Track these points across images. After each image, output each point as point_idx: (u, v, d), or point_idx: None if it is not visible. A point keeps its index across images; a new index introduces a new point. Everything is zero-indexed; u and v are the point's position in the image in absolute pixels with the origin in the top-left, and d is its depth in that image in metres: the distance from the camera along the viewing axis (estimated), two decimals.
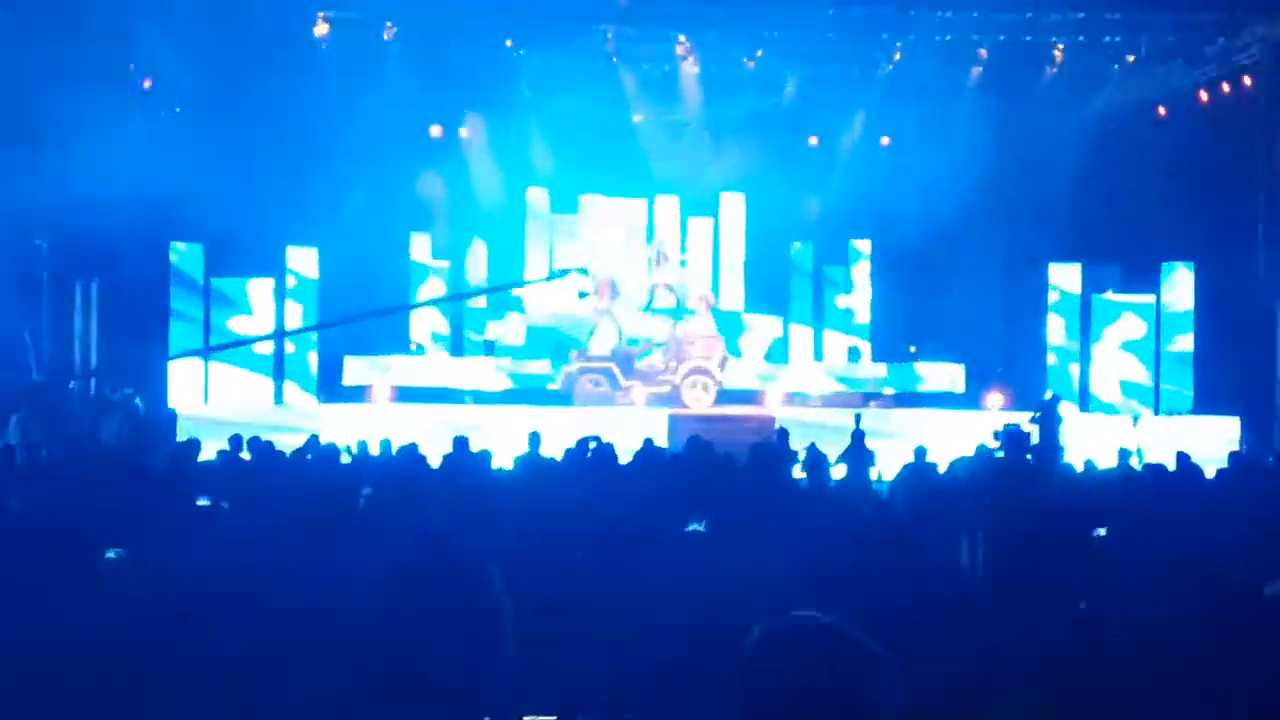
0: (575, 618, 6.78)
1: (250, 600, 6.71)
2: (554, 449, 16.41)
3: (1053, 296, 27.87)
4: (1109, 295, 27.22)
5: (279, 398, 26.45)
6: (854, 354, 30.46)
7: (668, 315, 29.00)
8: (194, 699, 5.67)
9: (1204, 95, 27.17)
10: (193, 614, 6.28)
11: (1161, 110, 27.75)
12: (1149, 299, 26.91)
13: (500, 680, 3.28)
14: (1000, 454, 17.22)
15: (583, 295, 28.30)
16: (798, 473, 15.69)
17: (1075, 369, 27.49)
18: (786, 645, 3.01)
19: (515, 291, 30.93)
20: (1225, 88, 26.92)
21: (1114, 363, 26.78)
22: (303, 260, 27.27)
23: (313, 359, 27.14)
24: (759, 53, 28.23)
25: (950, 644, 6.40)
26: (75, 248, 24.17)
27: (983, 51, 27.67)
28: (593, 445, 15.99)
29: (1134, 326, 26.75)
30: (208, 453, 16.16)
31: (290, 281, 27.20)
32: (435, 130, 30.24)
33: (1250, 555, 8.80)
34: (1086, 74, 28.18)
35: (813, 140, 31.14)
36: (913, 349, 29.61)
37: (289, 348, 26.89)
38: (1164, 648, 6.23)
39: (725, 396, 27.17)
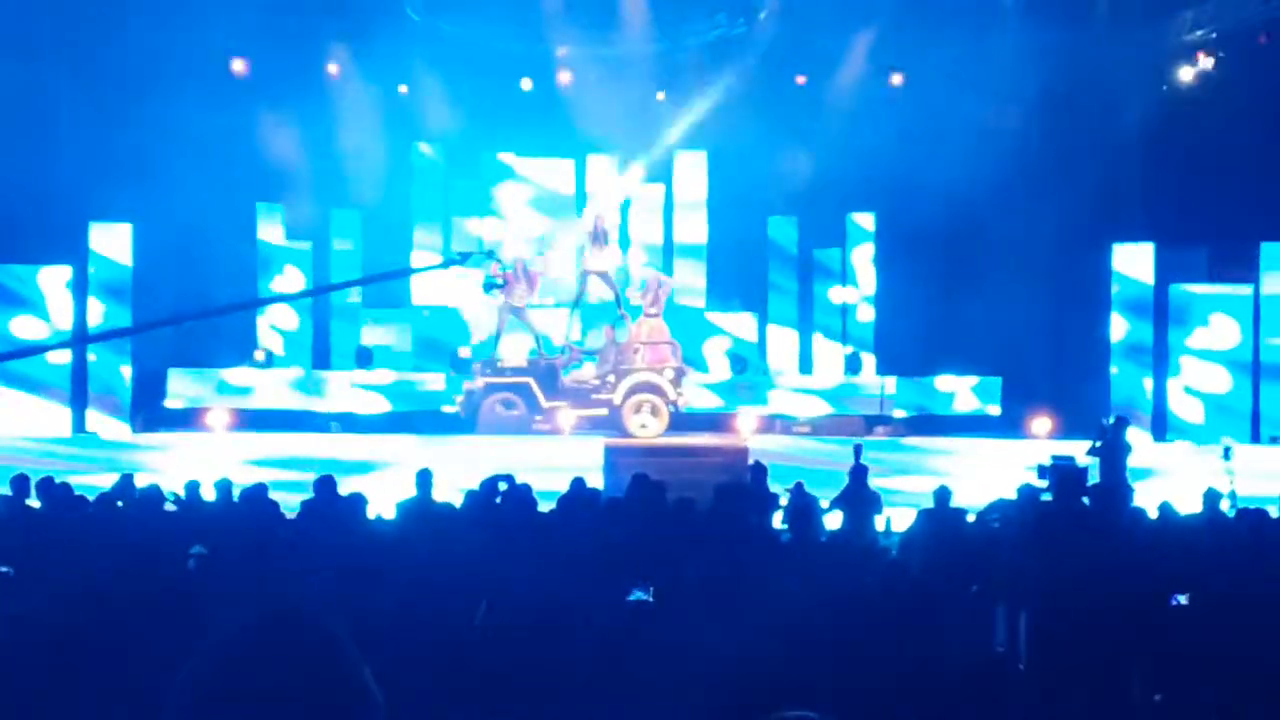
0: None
1: (37, 706, 6.63)
2: (451, 492, 16.33)
3: (1116, 288, 27.95)
4: (1192, 286, 27.35)
5: (79, 425, 26.21)
6: (853, 364, 30.52)
7: (605, 314, 28.97)
8: None
9: None
10: None
11: (1262, 38, 27.94)
12: (1244, 290, 27.05)
13: None
14: (1048, 496, 17.25)
15: (490, 288, 28.18)
16: (778, 522, 15.69)
17: (1148, 383, 27.60)
18: None
19: (398, 282, 30.85)
20: None
21: (1198, 375, 26.92)
22: (111, 242, 27.04)
23: (125, 373, 26.93)
24: None
25: None
26: None
27: None
28: (503, 487, 15.93)
29: (1225, 327, 26.90)
30: None
31: (93, 270, 26.98)
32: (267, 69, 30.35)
33: None
34: None
35: (800, 80, 31.27)
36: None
37: (91, 358, 26.67)
38: None
39: (681, 422, 27.12)
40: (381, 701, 3.09)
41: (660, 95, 31.66)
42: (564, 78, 31.42)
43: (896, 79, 30.64)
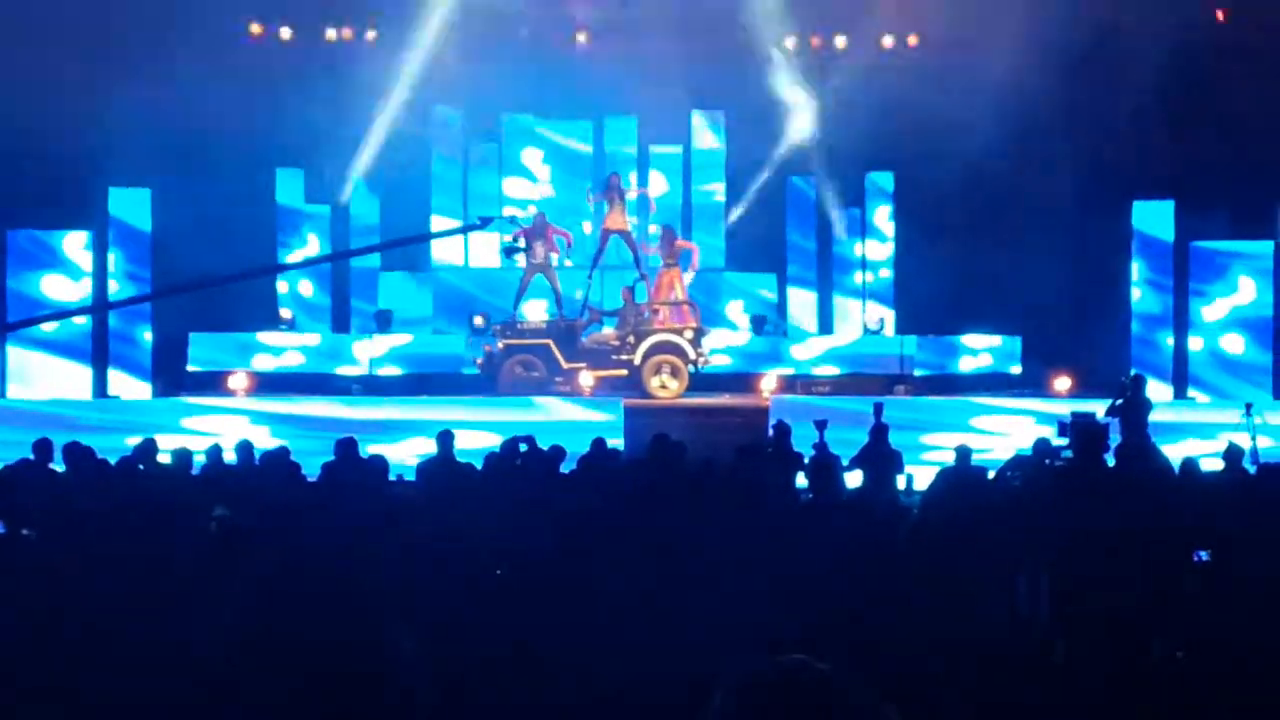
0: (506, 681, 6.74)
1: (59, 668, 6.64)
2: (472, 454, 16.36)
3: (1137, 245, 27.84)
4: (1212, 244, 27.21)
5: (101, 388, 26.23)
6: (871, 326, 30.51)
7: (624, 275, 28.92)
8: None
9: None
10: None
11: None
12: (1266, 249, 26.94)
13: None
14: (1069, 454, 17.22)
15: (509, 252, 28.14)
16: (800, 480, 15.67)
17: (1169, 341, 27.51)
18: (767, 699, 3.00)
19: (418, 246, 30.85)
20: None
21: (1219, 333, 26.82)
22: (131, 206, 27.03)
23: (147, 337, 26.95)
24: None
25: (1005, 713, 6.38)
26: None
27: None
28: (524, 448, 15.94)
29: (1246, 285, 26.79)
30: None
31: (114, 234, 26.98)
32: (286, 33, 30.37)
33: None
34: None
35: (814, 40, 31.26)
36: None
37: (112, 322, 26.68)
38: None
39: (701, 382, 27.06)
40: None
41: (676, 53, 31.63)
42: (581, 39, 31.38)
43: (913, 39, 30.57)
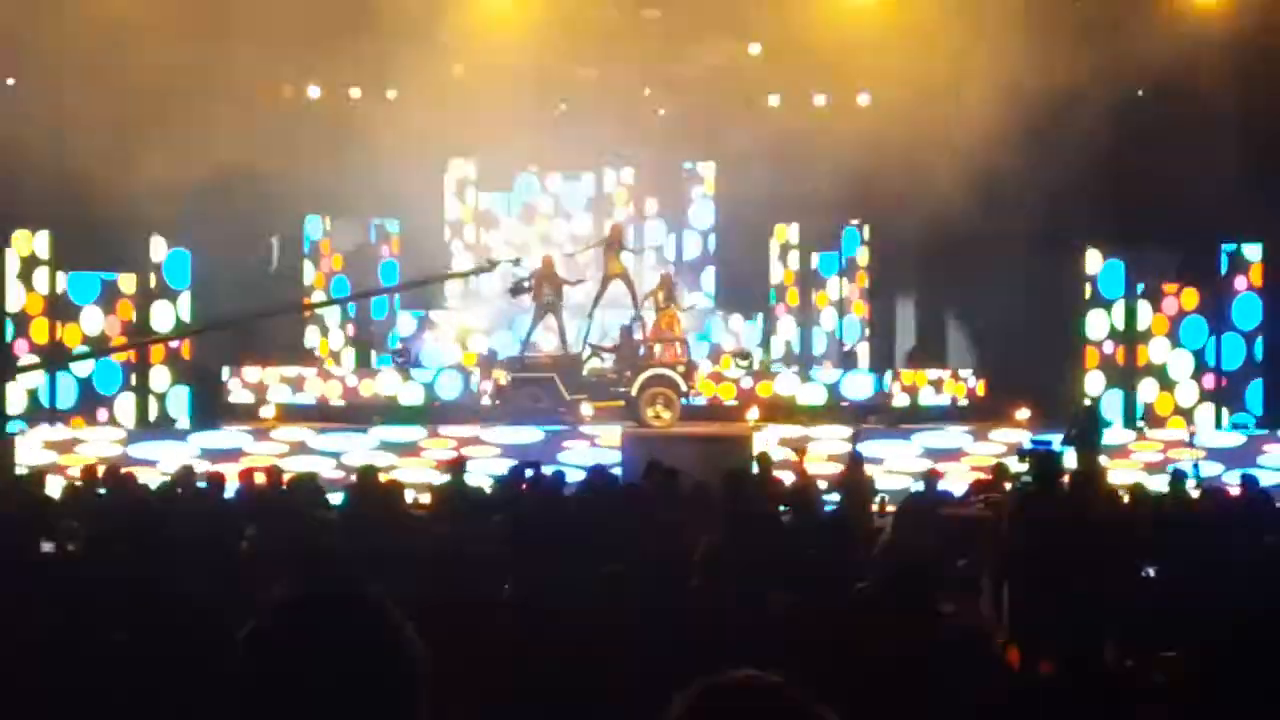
0: (520, 679, 6.75)
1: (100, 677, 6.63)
2: (482, 478, 16.39)
3: (1088, 287, 27.83)
4: (1158, 285, 27.22)
5: (144, 418, 26.18)
6: (848, 361, 30.53)
7: (623, 314, 28.98)
8: None
9: None
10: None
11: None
12: (1206, 289, 26.95)
13: None
14: (1028, 479, 17.24)
15: (516, 292, 28.24)
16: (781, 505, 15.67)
17: (1118, 376, 27.50)
18: (721, 708, 3.01)
19: (434, 286, 30.88)
20: None
21: (1165, 366, 26.82)
22: (171, 251, 27.06)
23: (186, 371, 26.93)
24: None
25: (967, 708, 6.38)
26: None
27: None
28: (530, 474, 15.97)
29: (1189, 321, 26.78)
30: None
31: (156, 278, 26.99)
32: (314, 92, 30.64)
33: None
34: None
35: (772, 101, 31.54)
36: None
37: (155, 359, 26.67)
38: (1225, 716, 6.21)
39: (692, 413, 27.10)
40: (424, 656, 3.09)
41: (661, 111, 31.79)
42: (582, 96, 31.48)
43: (863, 99, 30.78)
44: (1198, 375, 26.29)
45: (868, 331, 31.19)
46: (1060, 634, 9.70)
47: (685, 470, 15.97)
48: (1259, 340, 26.55)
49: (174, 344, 26.14)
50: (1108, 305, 27.44)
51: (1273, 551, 11.96)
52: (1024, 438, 21.79)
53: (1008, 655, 9.75)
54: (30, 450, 23.02)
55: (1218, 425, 25.98)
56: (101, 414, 25.13)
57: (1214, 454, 23.60)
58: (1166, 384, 26.28)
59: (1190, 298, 26.30)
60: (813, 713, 3.00)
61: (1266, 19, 27.28)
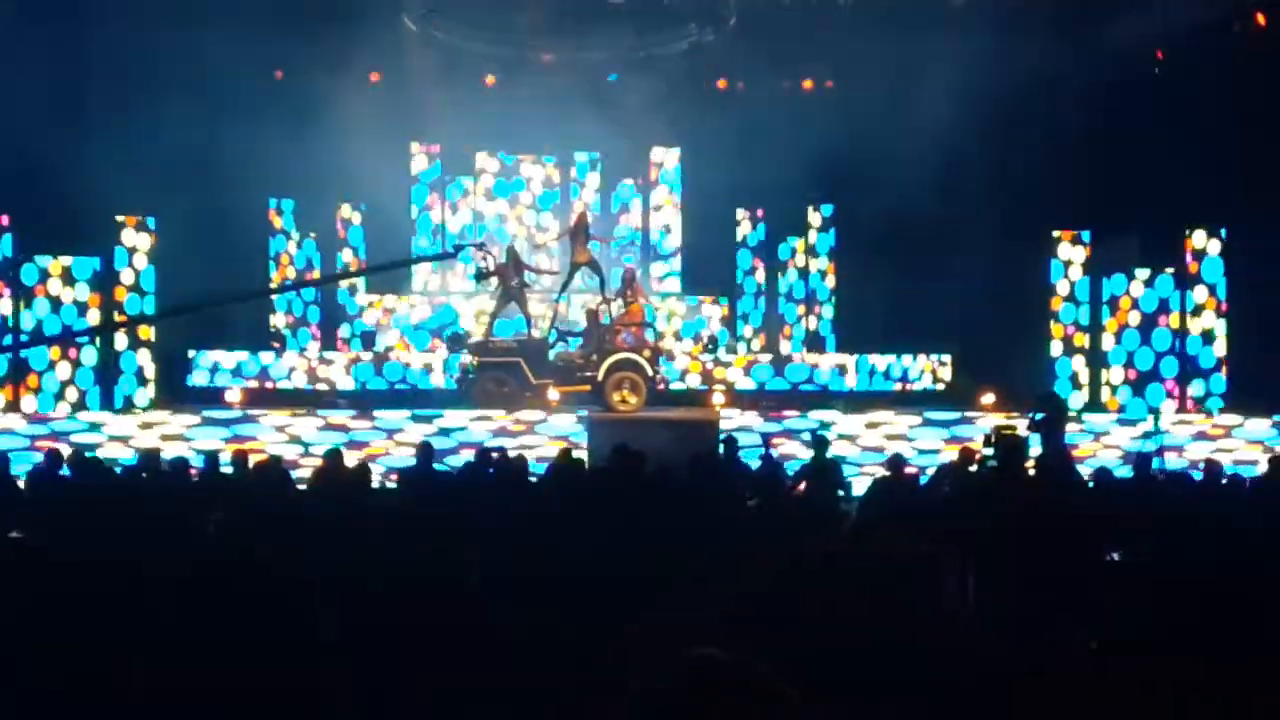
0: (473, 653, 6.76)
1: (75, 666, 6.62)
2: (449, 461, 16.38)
3: (1055, 272, 28.02)
4: (1122, 270, 27.34)
5: (108, 402, 26.12)
6: (816, 344, 30.61)
7: (588, 299, 29.04)
8: None
9: (1260, 18, 27.53)
10: None
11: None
12: (1168, 272, 27.08)
13: None
14: (993, 463, 17.29)
15: (480, 277, 28.25)
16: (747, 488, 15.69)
17: (1084, 359, 27.67)
18: (681, 685, 3.05)
19: (399, 270, 30.86)
20: (1261, 19, 27.28)
21: (1129, 351, 26.95)
22: (135, 234, 26.99)
23: (149, 354, 26.87)
24: None
25: (934, 692, 6.40)
26: None
27: None
28: (495, 457, 15.97)
29: (1152, 307, 26.91)
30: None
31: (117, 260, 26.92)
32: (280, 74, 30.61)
33: None
34: None
35: (740, 85, 31.58)
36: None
37: (119, 343, 26.59)
38: (1188, 694, 6.26)
39: (657, 398, 27.11)
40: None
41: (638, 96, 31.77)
42: (547, 81, 31.46)
43: (829, 84, 30.89)
44: (1161, 360, 26.37)
45: (834, 315, 31.26)
46: (1024, 618, 9.75)
47: (650, 453, 15.98)
48: (1224, 324, 26.70)
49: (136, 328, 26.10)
50: (1073, 290, 27.66)
51: (1239, 528, 12.04)
52: (990, 422, 21.86)
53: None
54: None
55: (1181, 409, 26.11)
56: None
57: (1177, 438, 23.70)
58: (1130, 368, 26.37)
59: (1155, 283, 26.38)
60: (776, 689, 3.03)
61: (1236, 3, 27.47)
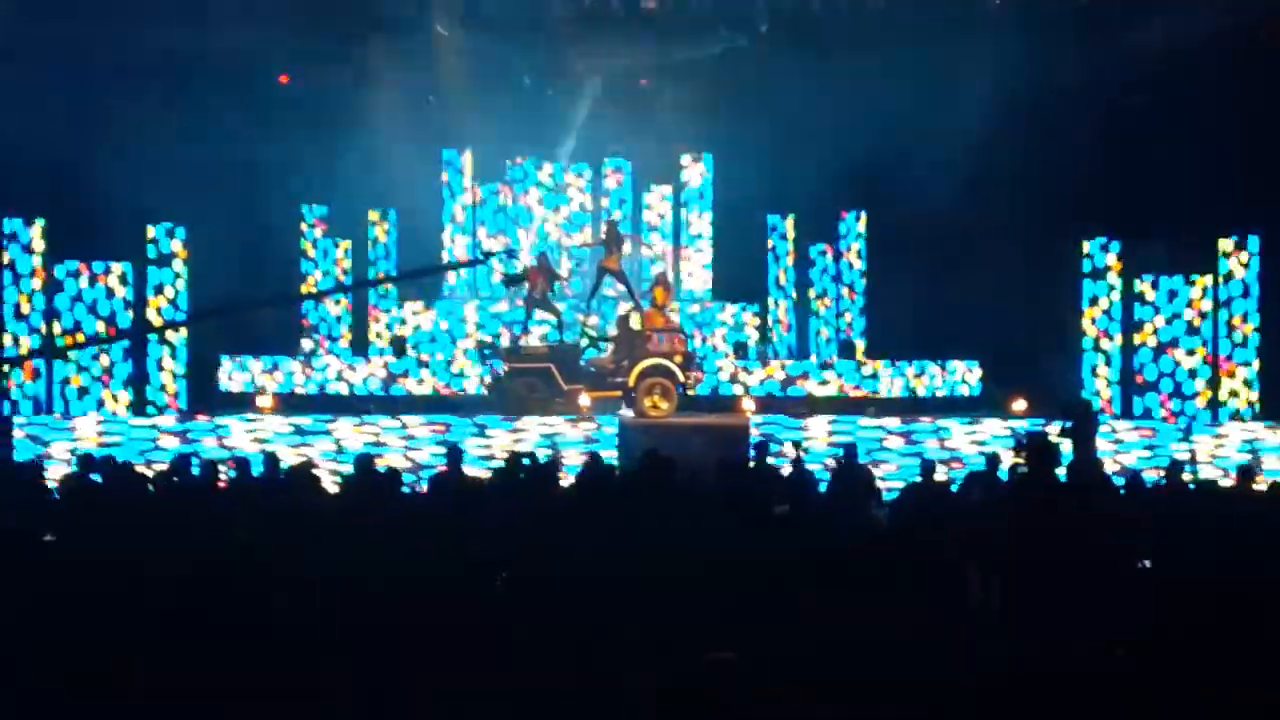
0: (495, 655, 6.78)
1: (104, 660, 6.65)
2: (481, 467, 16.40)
3: (1086, 278, 27.91)
4: (1154, 276, 27.21)
5: (139, 406, 26.20)
6: (846, 350, 30.56)
7: (618, 305, 29.06)
8: None
9: None
10: None
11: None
12: (1204, 280, 26.95)
13: None
14: (1024, 469, 17.25)
15: (510, 283, 28.31)
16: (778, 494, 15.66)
17: (1113, 367, 27.56)
18: (694, 685, 3.08)
19: (431, 277, 30.93)
20: None
21: (1162, 358, 26.83)
22: (167, 241, 27.05)
23: (181, 360, 26.93)
24: None
25: (958, 700, 6.41)
26: None
27: None
28: (527, 463, 15.96)
29: (1186, 314, 26.79)
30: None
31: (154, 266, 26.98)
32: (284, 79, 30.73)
33: None
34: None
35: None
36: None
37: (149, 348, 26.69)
38: (1222, 703, 6.25)
39: (688, 403, 27.06)
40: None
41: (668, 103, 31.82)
42: (581, 89, 31.53)
43: (859, 89, 30.98)
44: (1194, 366, 26.27)
45: (865, 321, 31.23)
46: (1055, 625, 9.72)
47: (682, 459, 15.97)
48: (1254, 331, 26.62)
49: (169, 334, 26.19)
50: (1105, 296, 27.53)
51: (1273, 537, 12.00)
52: (1021, 428, 21.82)
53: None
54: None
55: (1215, 420, 26.00)
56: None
57: (1208, 446, 23.64)
58: (1163, 374, 26.26)
59: (1187, 288, 26.26)
60: (769, 691, 3.06)
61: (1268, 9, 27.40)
